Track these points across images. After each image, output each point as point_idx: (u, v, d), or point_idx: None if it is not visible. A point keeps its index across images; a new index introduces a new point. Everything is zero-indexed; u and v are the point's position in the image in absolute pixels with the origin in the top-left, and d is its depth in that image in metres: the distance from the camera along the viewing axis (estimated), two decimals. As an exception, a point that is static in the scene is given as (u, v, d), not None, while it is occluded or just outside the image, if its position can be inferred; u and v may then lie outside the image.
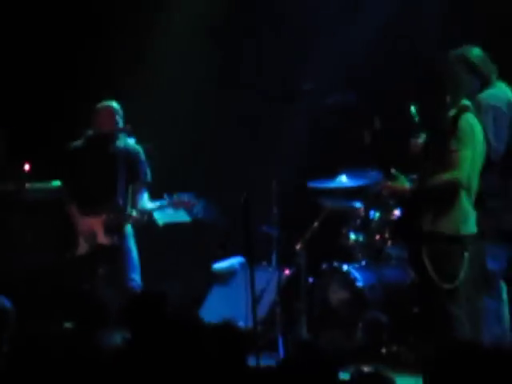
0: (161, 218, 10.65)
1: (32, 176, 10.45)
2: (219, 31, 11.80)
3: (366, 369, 6.02)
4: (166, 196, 9.79)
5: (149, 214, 10.00)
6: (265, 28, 11.55)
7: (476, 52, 7.85)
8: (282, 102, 10.15)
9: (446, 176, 7.56)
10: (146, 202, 9.88)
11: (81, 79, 11.76)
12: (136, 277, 9.70)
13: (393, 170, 8.23)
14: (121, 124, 9.85)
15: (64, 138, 10.12)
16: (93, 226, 9.79)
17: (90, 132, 9.87)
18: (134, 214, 9.82)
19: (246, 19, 11.66)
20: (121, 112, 9.85)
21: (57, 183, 10.16)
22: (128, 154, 9.88)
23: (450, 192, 7.58)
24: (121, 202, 9.83)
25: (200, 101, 11.70)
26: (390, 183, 8.19)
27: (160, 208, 10.01)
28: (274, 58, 11.28)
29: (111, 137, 9.82)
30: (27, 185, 10.26)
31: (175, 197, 9.74)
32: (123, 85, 11.40)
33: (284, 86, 10.57)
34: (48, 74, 11.86)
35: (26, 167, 10.72)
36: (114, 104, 9.89)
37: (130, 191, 9.84)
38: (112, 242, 9.82)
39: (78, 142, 9.93)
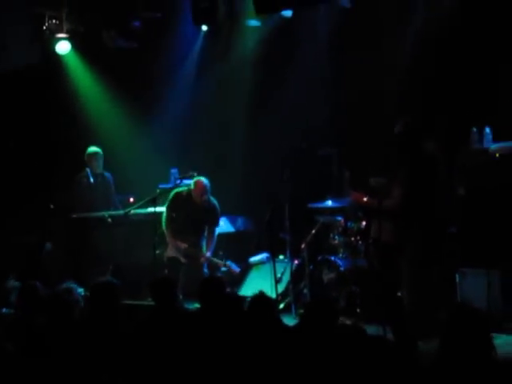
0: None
1: (134, 205, 10.40)
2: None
3: (347, 322, 6.31)
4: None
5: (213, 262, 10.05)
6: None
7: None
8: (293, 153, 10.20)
9: (388, 203, 7.75)
10: (216, 238, 10.10)
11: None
12: (205, 269, 9.92)
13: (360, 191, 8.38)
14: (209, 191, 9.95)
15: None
16: (179, 246, 9.98)
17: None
18: (206, 254, 9.97)
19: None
20: (209, 186, 9.94)
21: (149, 210, 10.13)
22: (210, 208, 10.02)
23: (390, 213, 7.68)
24: (200, 239, 10.04)
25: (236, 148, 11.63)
26: (356, 195, 8.36)
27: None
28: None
29: (202, 202, 9.93)
30: (132, 211, 10.22)
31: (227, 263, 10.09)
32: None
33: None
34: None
35: (131, 199, 10.94)
36: (204, 180, 9.95)
37: (206, 230, 10.07)
38: (188, 262, 9.94)
39: (183, 193, 10.06)
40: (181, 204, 10.04)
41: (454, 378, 4.40)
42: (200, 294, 6.60)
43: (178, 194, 10.11)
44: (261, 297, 6.06)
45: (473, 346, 4.41)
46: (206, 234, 10.12)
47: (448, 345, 4.49)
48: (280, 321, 6.04)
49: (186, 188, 10.12)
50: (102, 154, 10.78)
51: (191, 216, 9.98)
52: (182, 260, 9.94)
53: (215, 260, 10.09)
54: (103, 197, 10.77)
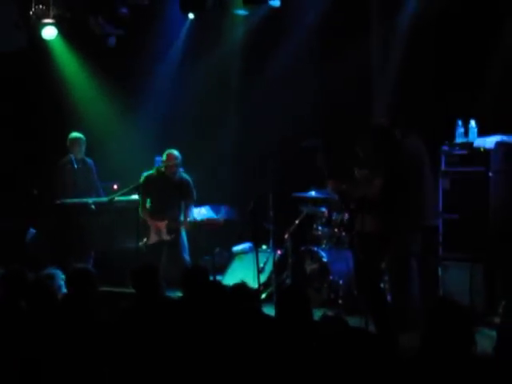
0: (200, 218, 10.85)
1: (118, 192, 10.40)
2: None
3: (329, 313, 6.29)
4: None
5: (194, 221, 10.12)
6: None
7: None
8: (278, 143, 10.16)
9: (367, 191, 7.64)
10: (193, 212, 10.11)
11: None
12: (186, 256, 9.95)
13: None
14: (179, 163, 9.95)
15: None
16: (159, 226, 9.98)
17: (161, 168, 9.98)
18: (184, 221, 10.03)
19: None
20: (180, 159, 9.95)
21: (133, 197, 10.18)
22: (182, 182, 10.02)
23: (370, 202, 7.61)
24: (178, 213, 10.04)
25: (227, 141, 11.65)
26: (333, 182, 8.25)
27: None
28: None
29: (173, 173, 9.97)
30: (115, 198, 10.17)
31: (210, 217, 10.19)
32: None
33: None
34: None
35: (115, 186, 10.98)
36: (176, 152, 9.97)
37: (183, 206, 10.07)
38: (171, 238, 9.97)
39: (153, 174, 10.05)
40: (152, 184, 10.01)
41: (434, 371, 4.37)
42: (183, 283, 6.49)
43: (147, 176, 10.09)
44: (241, 287, 6.01)
45: (454, 341, 4.38)
46: (183, 210, 10.13)
47: (429, 339, 4.47)
48: (260, 311, 6.00)
49: (154, 169, 10.12)
50: (84, 139, 10.72)
51: (165, 193, 9.98)
52: (166, 238, 9.96)
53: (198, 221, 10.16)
54: (86, 183, 10.75)
